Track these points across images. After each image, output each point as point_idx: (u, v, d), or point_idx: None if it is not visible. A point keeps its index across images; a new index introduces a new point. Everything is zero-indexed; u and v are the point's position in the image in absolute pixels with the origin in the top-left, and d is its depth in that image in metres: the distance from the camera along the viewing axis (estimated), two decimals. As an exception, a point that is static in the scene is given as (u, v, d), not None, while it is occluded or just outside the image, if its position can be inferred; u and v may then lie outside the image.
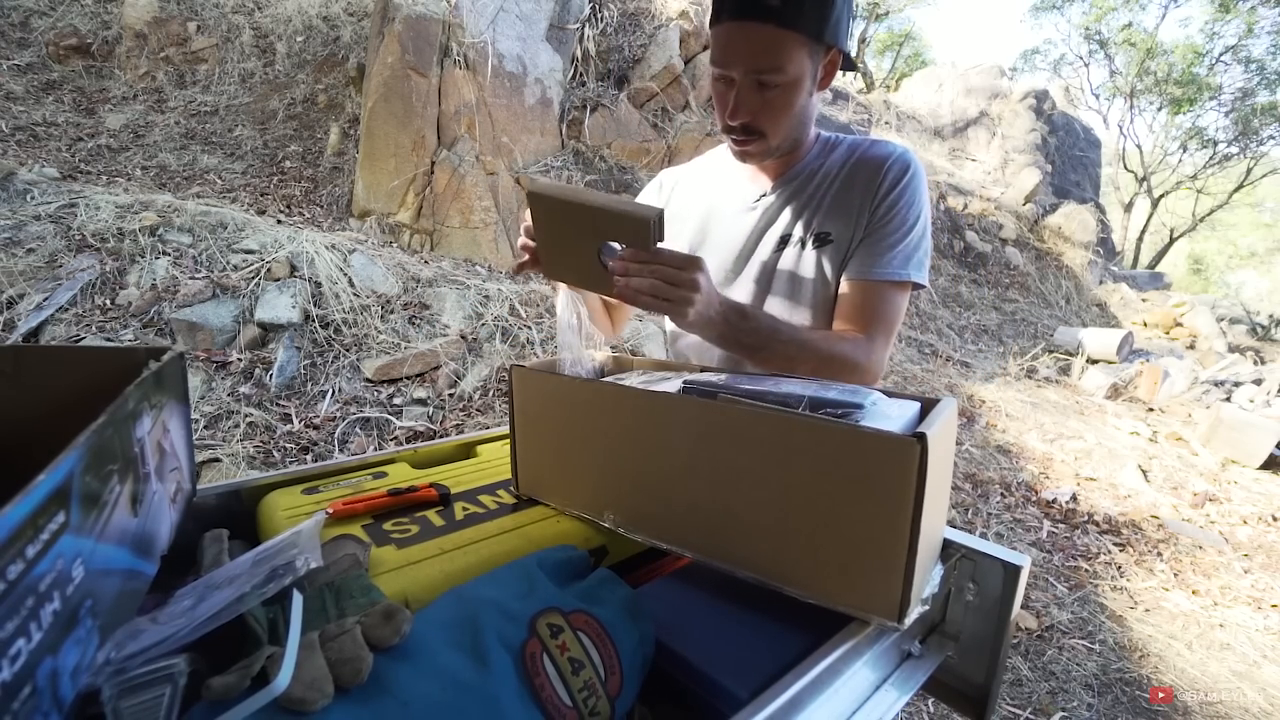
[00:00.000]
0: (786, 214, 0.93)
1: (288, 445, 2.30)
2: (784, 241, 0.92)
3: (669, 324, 1.07)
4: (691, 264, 0.66)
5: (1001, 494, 3.22)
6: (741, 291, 0.95)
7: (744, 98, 0.80)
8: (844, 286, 0.88)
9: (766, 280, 0.93)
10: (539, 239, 0.73)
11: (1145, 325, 8.12)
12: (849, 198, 0.88)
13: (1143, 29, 13.71)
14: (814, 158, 0.93)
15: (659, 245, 0.64)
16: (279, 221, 3.43)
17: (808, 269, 0.90)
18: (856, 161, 0.90)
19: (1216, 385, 5.47)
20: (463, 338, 2.95)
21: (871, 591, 0.47)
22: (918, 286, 0.88)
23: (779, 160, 0.92)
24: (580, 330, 0.77)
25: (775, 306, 0.93)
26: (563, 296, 0.78)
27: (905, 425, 0.52)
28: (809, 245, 0.90)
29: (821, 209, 0.90)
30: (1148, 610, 2.44)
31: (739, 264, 0.95)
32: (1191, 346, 7.43)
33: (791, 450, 0.49)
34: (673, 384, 0.63)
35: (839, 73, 0.86)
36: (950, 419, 0.54)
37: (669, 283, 0.65)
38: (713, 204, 0.99)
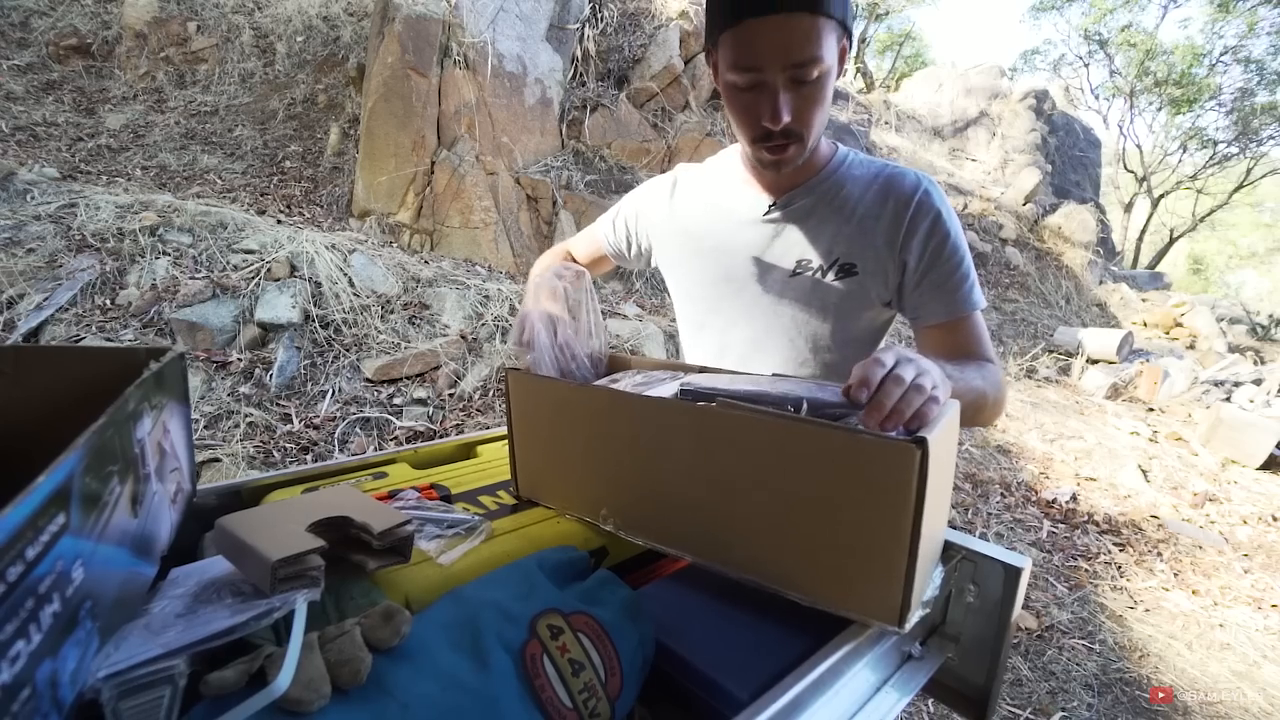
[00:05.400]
0: (801, 234, 0.85)
1: (288, 445, 2.29)
2: (799, 267, 0.86)
3: (683, 338, 1.03)
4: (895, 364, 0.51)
5: (1001, 494, 3.22)
6: (737, 312, 0.91)
7: (786, 98, 0.72)
8: (935, 331, 0.83)
9: (773, 305, 0.88)
10: None
11: (1145, 325, 8.11)
12: (876, 229, 0.82)
13: (1142, 29, 13.71)
14: (832, 169, 0.85)
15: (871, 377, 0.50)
16: (279, 221, 3.43)
17: (829, 299, 0.85)
18: (883, 190, 0.83)
19: (1216, 385, 5.47)
20: (463, 338, 2.95)
21: (872, 596, 0.47)
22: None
23: (795, 169, 0.83)
24: (583, 329, 0.76)
25: (779, 335, 0.89)
26: (539, 314, 0.74)
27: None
28: (830, 274, 0.84)
29: (844, 236, 0.83)
30: (1148, 610, 2.43)
31: (739, 280, 0.89)
32: (1191, 346, 7.43)
33: (790, 455, 0.49)
34: (670, 386, 0.63)
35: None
36: (952, 422, 0.54)
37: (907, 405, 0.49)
38: (717, 210, 0.92)
